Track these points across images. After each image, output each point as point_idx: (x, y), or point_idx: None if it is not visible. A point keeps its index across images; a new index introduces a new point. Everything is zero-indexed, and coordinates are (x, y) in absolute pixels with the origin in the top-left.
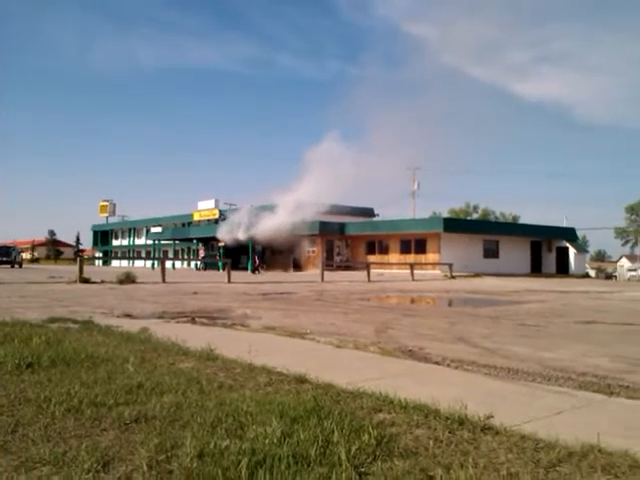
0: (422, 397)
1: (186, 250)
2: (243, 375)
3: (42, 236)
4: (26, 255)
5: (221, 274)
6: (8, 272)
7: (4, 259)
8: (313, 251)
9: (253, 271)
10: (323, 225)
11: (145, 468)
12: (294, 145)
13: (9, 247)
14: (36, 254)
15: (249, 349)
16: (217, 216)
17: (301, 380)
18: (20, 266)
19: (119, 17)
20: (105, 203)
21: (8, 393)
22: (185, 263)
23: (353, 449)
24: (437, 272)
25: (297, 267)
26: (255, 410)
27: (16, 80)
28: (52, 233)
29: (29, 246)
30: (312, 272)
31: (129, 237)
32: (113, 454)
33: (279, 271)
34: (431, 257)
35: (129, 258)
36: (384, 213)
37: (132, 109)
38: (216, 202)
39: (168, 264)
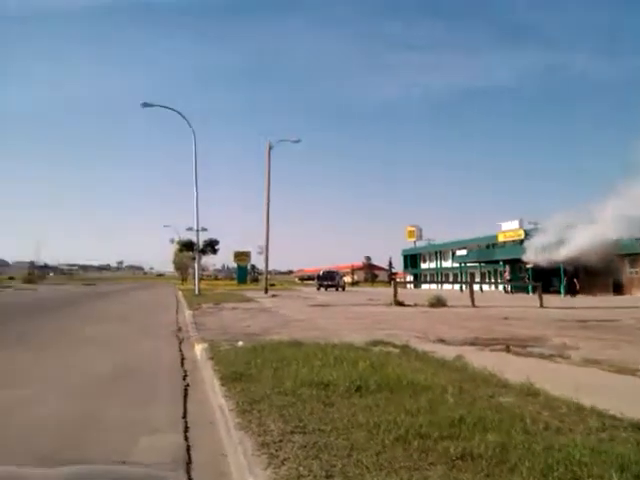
0: None
1: (492, 272)
2: (570, 416)
3: (359, 261)
4: (347, 279)
5: (531, 297)
6: (333, 295)
7: (329, 283)
8: (637, 272)
9: (572, 294)
10: None
11: None
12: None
13: (333, 272)
14: (355, 277)
15: (572, 385)
16: (522, 236)
17: None
18: (343, 289)
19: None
20: (412, 228)
21: (342, 416)
22: (492, 286)
23: None
24: None
25: (617, 290)
26: (590, 460)
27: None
28: (368, 258)
29: (349, 270)
30: (637, 296)
31: (436, 260)
32: None
33: (595, 295)
34: None
35: (437, 282)
36: None
37: (426, 137)
38: (520, 222)
39: (475, 287)
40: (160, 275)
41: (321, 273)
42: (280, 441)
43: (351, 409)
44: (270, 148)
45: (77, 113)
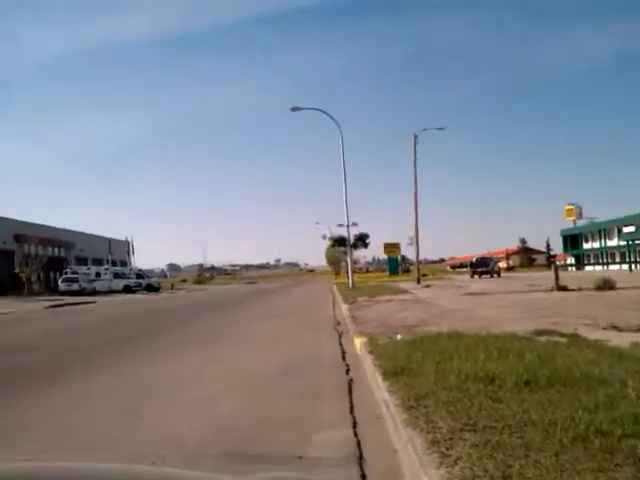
0: None
1: None
2: None
3: (514, 245)
4: (502, 264)
5: None
6: (488, 282)
7: (483, 270)
8: None
9: None
10: None
11: None
12: None
13: (487, 258)
14: (510, 262)
15: None
16: None
17: None
18: (498, 275)
19: None
20: (571, 207)
21: (513, 413)
22: None
23: None
24: None
25: None
26: None
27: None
28: (523, 241)
29: (503, 256)
30: None
31: (600, 239)
32: None
33: None
34: None
35: (602, 263)
36: None
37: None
38: None
39: None
40: (311, 271)
41: (474, 260)
42: (450, 439)
43: (522, 405)
44: (415, 139)
45: (229, 125)
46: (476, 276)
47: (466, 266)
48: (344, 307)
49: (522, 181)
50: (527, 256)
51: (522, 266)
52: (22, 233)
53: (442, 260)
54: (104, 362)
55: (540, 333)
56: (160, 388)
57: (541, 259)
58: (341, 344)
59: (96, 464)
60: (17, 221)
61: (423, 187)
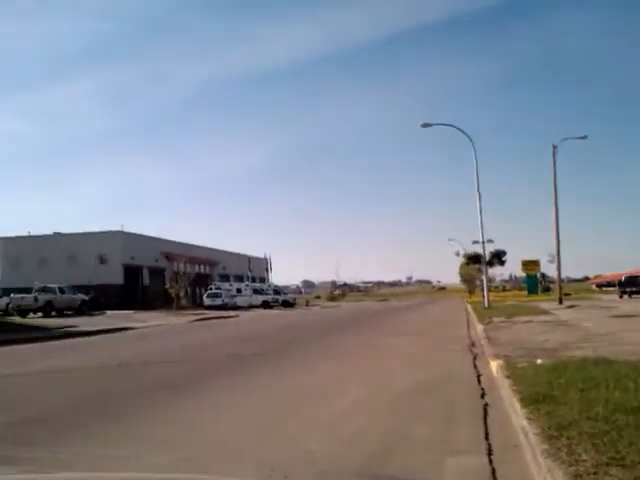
0: None
1: None
2: None
3: None
4: None
5: None
6: None
7: (634, 289)
8: None
9: None
10: None
11: None
12: None
13: (638, 277)
14: None
15: None
16: None
17: None
18: None
19: None
20: None
21: None
22: None
23: None
24: None
25: None
26: None
27: None
28: None
29: None
30: None
31: None
32: None
33: None
34: None
35: None
36: None
37: None
38: None
39: None
40: (443, 288)
41: (623, 278)
42: (594, 473)
43: None
44: (554, 151)
45: (362, 143)
46: (625, 296)
47: (614, 285)
48: (479, 327)
49: None
50: None
51: None
52: (172, 252)
53: (586, 278)
54: (247, 374)
55: None
56: (295, 400)
57: None
58: (476, 366)
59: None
60: (167, 241)
61: (564, 200)
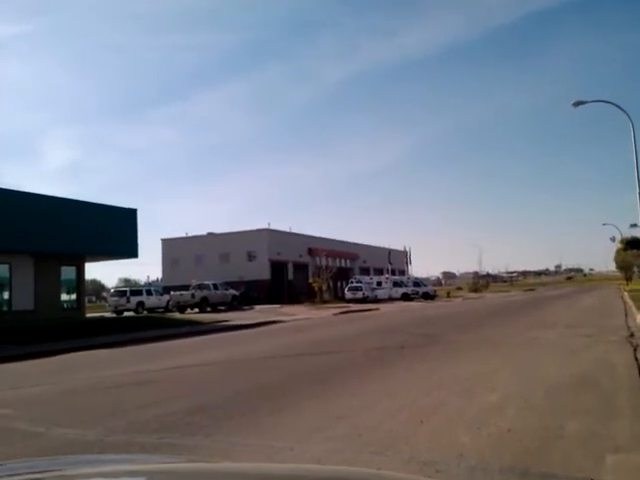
0: None
1: None
2: None
3: None
4: None
5: None
6: None
7: None
8: None
9: None
10: None
11: None
12: None
13: None
14: None
15: None
16: None
17: None
18: None
19: None
20: None
21: None
22: None
23: None
24: None
25: None
26: None
27: None
28: None
29: None
30: None
31: None
32: None
33: None
34: None
35: None
36: None
37: None
38: None
39: None
40: (596, 276)
41: None
42: None
43: None
44: None
45: (506, 128)
46: None
47: None
48: (639, 317)
49: None
50: None
51: None
52: (314, 247)
53: None
54: (397, 365)
55: None
56: (444, 389)
57: None
58: (637, 359)
59: (373, 471)
60: (310, 236)
61: None
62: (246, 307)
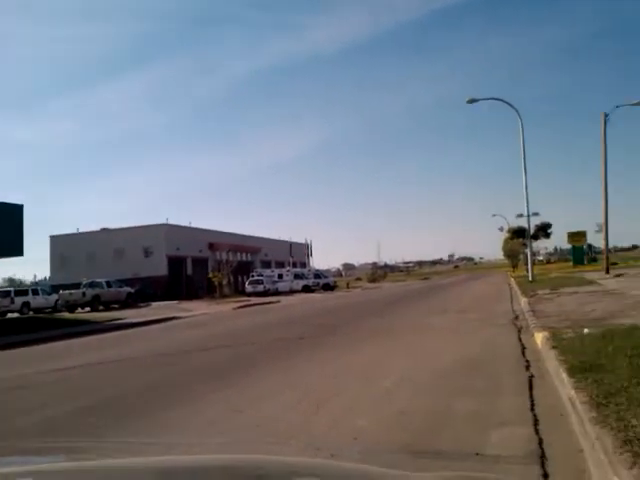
0: None
1: None
2: None
3: None
4: None
5: None
6: None
7: None
8: None
9: None
10: None
11: None
12: None
13: None
14: None
15: None
16: None
17: None
18: None
19: None
20: None
21: None
22: None
23: None
24: None
25: None
26: None
27: None
28: None
29: None
30: None
31: None
32: None
33: None
34: None
35: None
36: None
37: None
38: None
39: None
40: (486, 264)
41: None
42: None
43: None
44: (606, 118)
45: (407, 122)
46: None
47: None
48: (523, 301)
49: None
50: None
51: None
52: (215, 242)
53: (635, 247)
54: (296, 356)
55: None
56: (342, 376)
57: None
58: (520, 339)
59: (273, 457)
60: (211, 231)
61: (614, 169)
62: (142, 304)
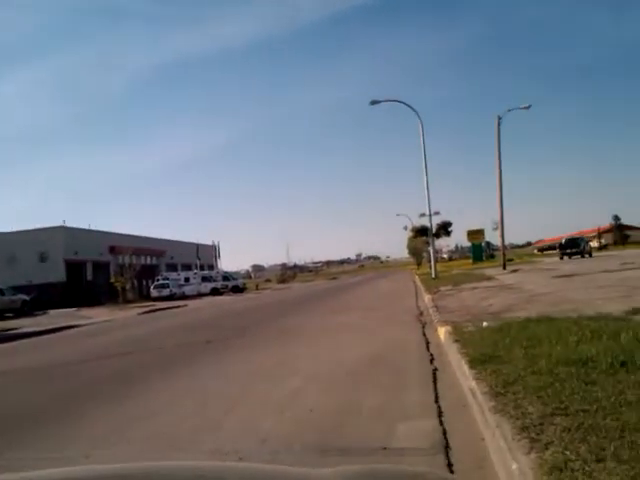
0: None
1: None
2: None
3: (607, 223)
4: (593, 244)
5: None
6: (579, 263)
7: (574, 250)
8: None
9: None
10: None
11: None
12: None
13: (577, 238)
14: (603, 241)
15: None
16: None
17: None
18: (590, 255)
19: None
20: None
21: (607, 395)
22: None
23: None
24: None
25: None
26: None
27: None
28: (616, 218)
29: (594, 234)
30: None
31: None
32: None
33: None
34: None
35: None
36: None
37: None
38: None
39: None
40: (392, 263)
41: (563, 241)
42: (541, 424)
43: (617, 387)
44: (499, 121)
45: (310, 124)
46: (566, 257)
47: (554, 248)
48: (427, 297)
49: (616, 154)
50: (621, 233)
51: (616, 244)
52: (116, 245)
53: (529, 244)
54: (203, 360)
55: (636, 312)
56: (249, 382)
57: (637, 236)
58: (424, 334)
59: (180, 462)
60: (112, 233)
61: (508, 170)
62: (39, 312)
